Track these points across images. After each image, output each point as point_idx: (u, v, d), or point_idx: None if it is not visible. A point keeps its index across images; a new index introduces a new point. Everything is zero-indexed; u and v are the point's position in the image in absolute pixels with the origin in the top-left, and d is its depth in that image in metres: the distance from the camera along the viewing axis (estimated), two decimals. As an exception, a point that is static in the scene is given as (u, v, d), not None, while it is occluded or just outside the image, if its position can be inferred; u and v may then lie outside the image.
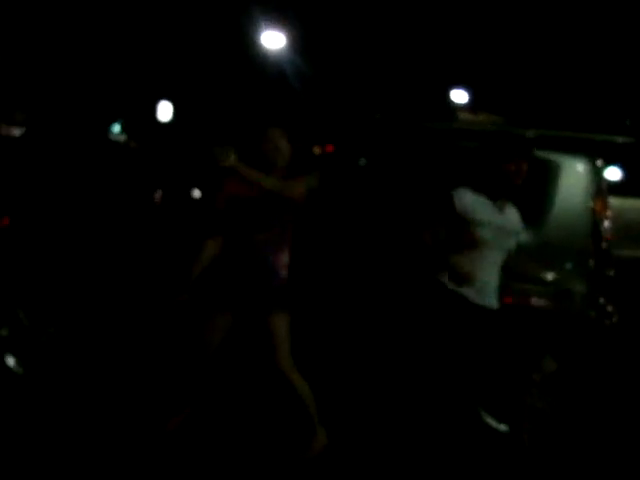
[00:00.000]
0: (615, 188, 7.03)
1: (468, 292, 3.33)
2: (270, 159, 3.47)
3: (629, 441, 4.02)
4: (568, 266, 4.09)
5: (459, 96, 24.81)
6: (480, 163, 3.46)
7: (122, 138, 19.48)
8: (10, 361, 4.42)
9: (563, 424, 3.99)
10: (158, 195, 5.52)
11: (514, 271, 3.98)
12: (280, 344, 3.47)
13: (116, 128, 22.16)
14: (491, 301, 3.42)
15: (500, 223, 3.37)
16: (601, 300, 4.08)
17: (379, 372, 4.41)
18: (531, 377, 3.97)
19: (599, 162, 4.35)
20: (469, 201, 3.36)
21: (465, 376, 3.53)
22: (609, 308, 4.12)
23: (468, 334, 3.34)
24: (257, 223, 3.46)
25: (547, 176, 4.24)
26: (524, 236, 4.08)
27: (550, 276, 4.08)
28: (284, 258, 3.53)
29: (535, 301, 4.02)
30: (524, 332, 3.91)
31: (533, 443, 3.78)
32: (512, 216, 3.47)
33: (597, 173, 4.30)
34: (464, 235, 3.34)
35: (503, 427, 3.91)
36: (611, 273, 4.21)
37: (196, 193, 5.51)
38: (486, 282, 3.37)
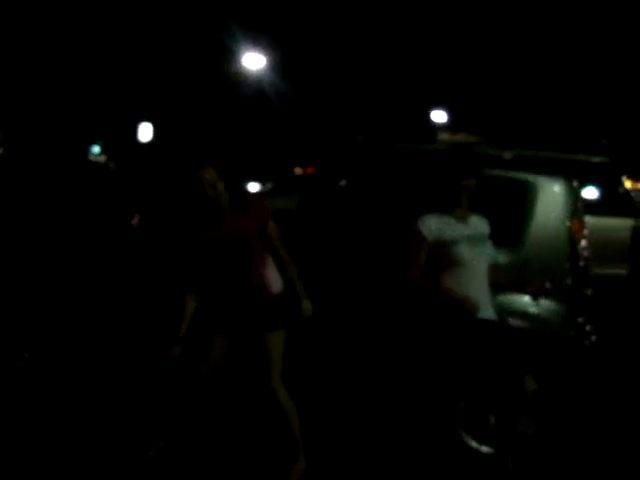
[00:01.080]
0: (592, 207, 7.12)
1: (473, 310, 3.34)
2: (215, 202, 3.44)
3: (610, 459, 4.02)
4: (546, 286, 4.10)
5: (439, 116, 25.08)
6: (433, 180, 3.54)
7: (102, 159, 19.40)
8: (-16, 387, 4.34)
9: (545, 445, 3.98)
10: (136, 219, 5.46)
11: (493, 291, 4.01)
12: (273, 361, 3.47)
13: (96, 149, 22.08)
14: (488, 313, 3.44)
15: (468, 234, 3.44)
16: (580, 319, 4.09)
17: (366, 385, 4.41)
18: (517, 400, 3.96)
19: (575, 182, 4.39)
20: (434, 225, 3.42)
21: (451, 393, 3.52)
22: (588, 327, 4.13)
23: (467, 349, 3.35)
24: (240, 256, 3.47)
25: (524, 197, 4.27)
26: (502, 257, 4.12)
27: (528, 296, 4.08)
28: (272, 275, 3.52)
29: (513, 321, 4.02)
30: (506, 352, 3.91)
31: (516, 465, 3.77)
32: (476, 222, 3.53)
33: (574, 193, 4.33)
34: (442, 258, 3.37)
35: (485, 448, 3.89)
36: (589, 292, 4.23)
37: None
38: (481, 294, 3.41)
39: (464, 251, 3.39)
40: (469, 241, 3.41)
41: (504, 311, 4.01)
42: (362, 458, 3.85)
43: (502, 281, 3.62)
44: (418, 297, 3.54)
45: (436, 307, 3.43)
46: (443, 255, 3.38)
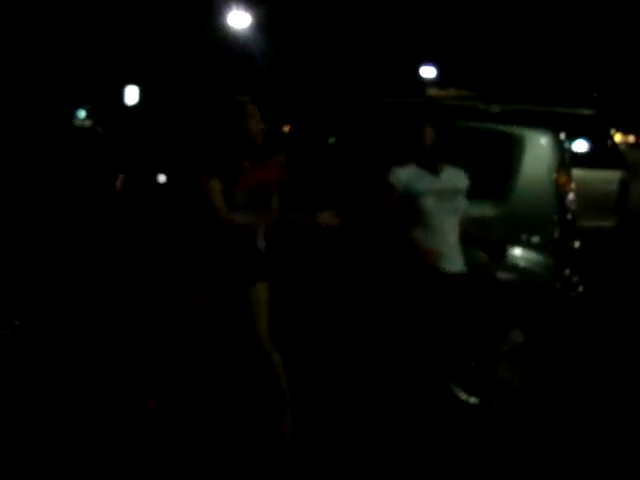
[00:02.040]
0: (581, 159, 7.12)
1: (434, 262, 3.39)
2: (252, 136, 3.37)
3: (595, 412, 4.09)
4: (534, 239, 4.12)
5: (428, 72, 24.82)
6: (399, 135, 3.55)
7: (88, 123, 19.18)
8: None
9: (533, 396, 4.04)
10: (120, 181, 5.38)
11: (480, 244, 4.03)
12: (259, 313, 3.48)
13: (82, 114, 21.81)
14: (457, 267, 3.48)
15: (439, 187, 3.46)
16: (566, 271, 4.12)
17: (352, 349, 4.44)
18: (499, 349, 4.02)
19: (562, 135, 4.36)
20: (404, 177, 3.46)
21: (435, 347, 3.57)
22: (575, 279, 4.17)
23: (438, 303, 3.39)
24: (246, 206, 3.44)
25: (511, 150, 4.25)
26: (489, 210, 4.13)
27: (516, 249, 4.10)
28: (260, 230, 3.53)
29: (502, 274, 4.05)
30: (491, 304, 3.95)
31: (503, 415, 3.83)
32: (451, 176, 3.55)
33: (561, 146, 4.31)
34: (410, 209, 3.40)
35: (473, 400, 3.96)
36: (576, 244, 4.25)
37: (162, 178, 5.41)
38: (448, 248, 3.44)
39: (432, 204, 3.43)
40: (438, 194, 3.44)
41: (491, 264, 4.04)
42: (354, 417, 3.90)
43: (475, 236, 3.63)
44: (389, 249, 3.58)
45: (402, 259, 3.46)
46: (412, 207, 3.43)
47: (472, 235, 3.61)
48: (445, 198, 3.45)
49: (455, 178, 3.54)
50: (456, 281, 3.44)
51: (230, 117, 3.36)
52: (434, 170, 3.50)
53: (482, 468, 3.41)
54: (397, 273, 3.50)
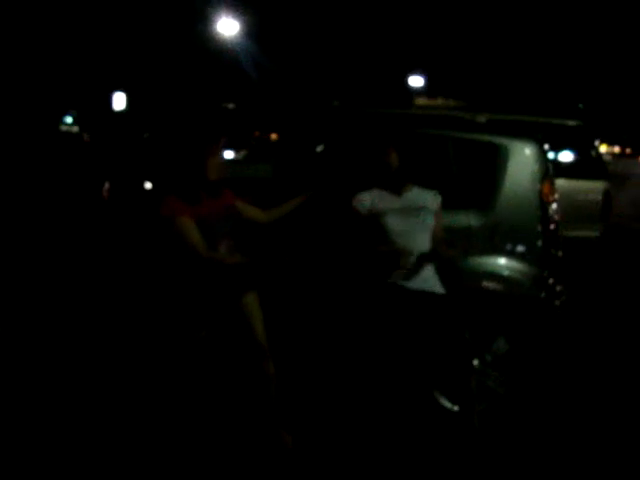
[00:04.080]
0: (566, 170, 7.21)
1: (404, 280, 3.44)
2: (209, 174, 3.38)
3: (579, 420, 4.12)
4: (518, 248, 4.15)
5: (416, 82, 24.97)
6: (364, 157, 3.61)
7: (75, 129, 19.10)
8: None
9: (517, 404, 4.06)
10: (106, 188, 5.36)
11: (465, 255, 4.05)
12: (255, 319, 3.50)
13: (69, 119, 21.73)
14: (429, 284, 3.50)
15: (401, 206, 3.54)
16: (550, 281, 4.16)
17: (336, 363, 4.44)
18: (483, 358, 4.04)
19: (546, 145, 4.41)
20: (368, 199, 3.57)
21: (416, 360, 3.58)
22: (558, 288, 4.20)
23: (410, 321, 3.41)
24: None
25: (495, 160, 4.29)
26: (473, 220, 4.16)
27: (500, 259, 4.13)
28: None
29: (486, 284, 4.08)
30: (476, 314, 3.98)
31: (486, 424, 3.85)
32: (415, 196, 3.61)
33: (544, 156, 4.36)
34: (375, 229, 3.50)
35: (457, 408, 3.97)
36: (559, 254, 4.29)
37: (148, 185, 5.38)
38: (418, 266, 3.46)
39: (394, 222, 3.50)
40: (400, 212, 3.52)
41: (476, 274, 4.07)
42: (341, 422, 3.90)
43: (445, 253, 3.63)
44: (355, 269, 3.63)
45: (369, 277, 3.50)
46: (376, 226, 3.52)
47: (445, 251, 3.61)
48: (408, 215, 3.52)
49: (420, 198, 3.60)
50: (426, 298, 3.46)
51: (191, 155, 3.37)
52: (397, 192, 3.58)
53: (465, 475, 3.43)
54: (366, 290, 3.54)
